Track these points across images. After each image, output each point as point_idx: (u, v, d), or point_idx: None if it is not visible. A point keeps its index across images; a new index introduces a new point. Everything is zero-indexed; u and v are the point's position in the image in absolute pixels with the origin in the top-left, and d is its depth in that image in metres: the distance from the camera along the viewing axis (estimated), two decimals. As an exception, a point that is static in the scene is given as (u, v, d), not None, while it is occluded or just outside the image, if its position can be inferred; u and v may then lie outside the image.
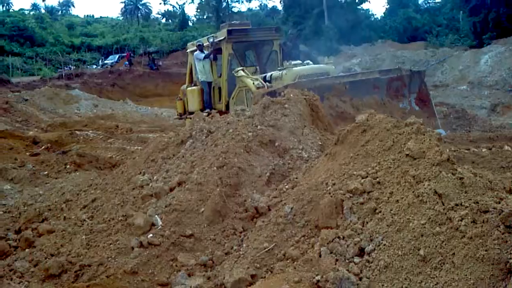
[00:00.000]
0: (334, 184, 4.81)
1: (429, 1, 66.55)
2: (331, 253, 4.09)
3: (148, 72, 42.59)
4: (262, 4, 78.06)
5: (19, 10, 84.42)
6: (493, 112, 27.71)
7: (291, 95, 6.98)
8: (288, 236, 4.69)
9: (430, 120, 9.57)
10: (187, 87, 12.68)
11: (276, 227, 4.83)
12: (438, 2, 63.70)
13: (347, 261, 3.99)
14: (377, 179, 4.49)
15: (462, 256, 3.35)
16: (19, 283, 5.29)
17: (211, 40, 11.06)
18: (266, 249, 4.63)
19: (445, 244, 3.52)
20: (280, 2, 64.83)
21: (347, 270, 3.84)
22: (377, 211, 4.20)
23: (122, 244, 5.36)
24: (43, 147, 14.51)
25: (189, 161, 6.41)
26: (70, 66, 48.24)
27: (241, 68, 10.08)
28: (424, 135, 4.59)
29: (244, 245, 5.02)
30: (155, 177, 6.54)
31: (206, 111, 11.10)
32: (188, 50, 12.82)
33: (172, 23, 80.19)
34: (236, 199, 5.71)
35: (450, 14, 56.40)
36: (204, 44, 11.47)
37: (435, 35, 51.88)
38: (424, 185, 4.00)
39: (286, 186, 5.66)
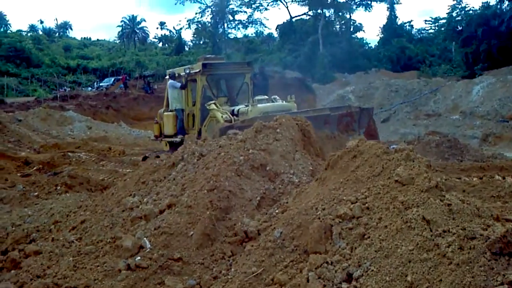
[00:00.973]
0: (323, 209, 4.81)
1: (422, 31, 67.62)
2: (319, 278, 4.07)
3: (143, 96, 42.73)
4: (258, 31, 78.94)
5: (16, 31, 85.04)
6: (485, 142, 27.93)
7: (283, 120, 7.03)
8: (277, 261, 4.66)
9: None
10: (164, 111, 13.29)
11: (265, 251, 4.80)
12: (431, 33, 64.77)
13: (335, 286, 3.96)
14: (366, 205, 4.50)
15: (449, 283, 3.34)
16: (3, 304, 5.23)
17: (187, 71, 11.82)
18: (254, 274, 4.60)
19: (433, 271, 3.51)
20: (276, 29, 65.78)
21: (335, 295, 3.82)
22: (365, 236, 4.20)
23: (109, 267, 5.31)
24: (34, 168, 14.44)
25: (180, 183, 6.40)
26: (65, 87, 48.37)
27: (213, 102, 10.96)
28: (413, 161, 4.62)
29: (232, 269, 4.98)
30: (145, 199, 6.52)
31: (179, 136, 11.97)
32: (166, 77, 13.50)
33: (169, 48, 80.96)
34: (226, 222, 5.68)
35: (442, 45, 57.36)
36: (181, 74, 12.16)
37: (428, 65, 52.67)
38: (412, 211, 4.01)
39: (276, 211, 5.65)
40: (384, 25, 63.99)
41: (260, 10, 63.23)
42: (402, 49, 56.20)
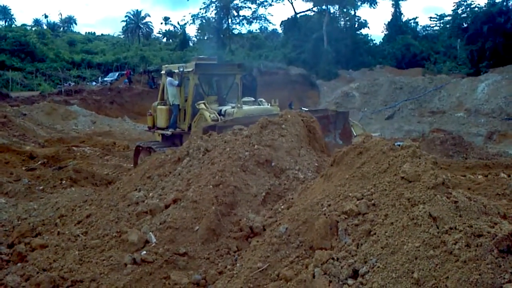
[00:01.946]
0: (329, 205, 4.82)
1: (427, 28, 67.34)
2: (324, 274, 4.08)
3: (147, 91, 42.73)
4: (262, 27, 78.80)
5: (21, 25, 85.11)
6: (490, 139, 27.89)
7: (289, 116, 7.03)
8: (282, 257, 4.67)
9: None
10: (157, 104, 13.80)
11: (270, 247, 4.81)
12: (436, 30, 64.50)
13: (340, 282, 3.97)
14: (372, 201, 4.50)
15: (456, 280, 3.34)
16: (9, 297, 5.25)
17: (181, 69, 12.44)
18: (260, 269, 4.61)
19: (439, 268, 3.51)
20: (280, 25, 65.64)
21: (341, 291, 3.83)
22: (371, 233, 4.20)
23: (115, 261, 5.33)
24: (39, 162, 14.49)
25: (185, 178, 6.41)
26: (70, 82, 48.39)
27: (202, 102, 11.63)
28: (419, 158, 4.62)
29: (238, 264, 4.99)
30: (150, 194, 6.54)
31: (170, 130, 12.66)
32: (162, 72, 14.11)
33: (173, 43, 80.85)
34: (231, 218, 5.70)
35: (448, 42, 57.10)
36: (175, 71, 12.78)
37: (433, 62, 52.43)
38: (418, 208, 4.01)
39: (282, 207, 5.66)
40: (389, 22, 63.81)
41: (264, 6, 63.02)
42: (407, 46, 55.97)
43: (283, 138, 6.71)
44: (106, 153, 17.78)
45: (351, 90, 41.20)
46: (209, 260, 5.24)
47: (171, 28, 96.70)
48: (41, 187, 11.13)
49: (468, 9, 45.69)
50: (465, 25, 45.31)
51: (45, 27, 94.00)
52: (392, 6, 62.91)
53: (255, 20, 64.80)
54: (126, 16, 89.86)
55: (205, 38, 72.42)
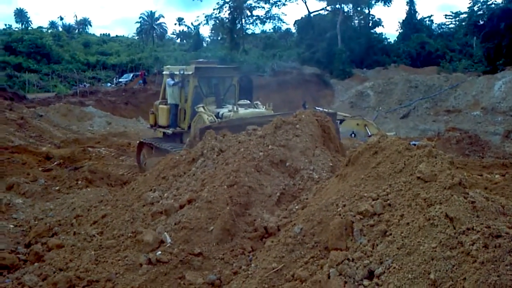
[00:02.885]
0: (344, 205, 4.79)
1: (442, 26, 66.72)
2: (340, 275, 4.05)
3: (162, 91, 42.77)
4: (276, 27, 78.67)
5: (37, 27, 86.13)
6: (507, 138, 27.50)
7: (303, 115, 7.00)
8: (297, 257, 4.65)
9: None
10: (159, 103, 14.32)
11: (285, 247, 4.79)
12: (451, 28, 63.88)
13: (356, 283, 3.94)
14: (388, 201, 4.46)
15: (474, 281, 3.29)
16: (27, 297, 5.30)
17: (181, 72, 12.98)
18: (275, 270, 4.60)
19: (456, 269, 3.47)
20: (294, 24, 65.49)
21: (356, 292, 3.80)
22: (387, 233, 4.16)
23: (130, 261, 5.36)
24: (55, 162, 14.61)
25: (199, 179, 6.42)
26: (85, 83, 48.82)
27: (201, 105, 12.17)
28: (435, 158, 4.56)
29: (252, 265, 4.98)
30: (165, 195, 6.56)
31: (171, 129, 13.21)
32: (163, 72, 14.67)
33: (187, 44, 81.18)
34: (245, 218, 5.70)
35: (463, 40, 56.55)
36: (176, 73, 13.33)
37: (448, 60, 51.94)
38: (435, 208, 3.97)
39: (296, 207, 5.65)
40: (403, 20, 63.28)
41: (278, 6, 62.72)
42: (422, 44, 55.48)
43: (297, 138, 6.69)
44: (121, 154, 17.88)
45: (366, 89, 41.00)
46: (224, 261, 5.24)
47: (185, 29, 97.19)
48: (57, 188, 11.24)
49: (485, 6, 45.18)
50: (481, 23, 44.76)
51: (60, 29, 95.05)
52: (406, 4, 62.40)
53: (268, 20, 64.64)
54: (140, 17, 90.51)
55: (219, 38, 72.57)
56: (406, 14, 62.79)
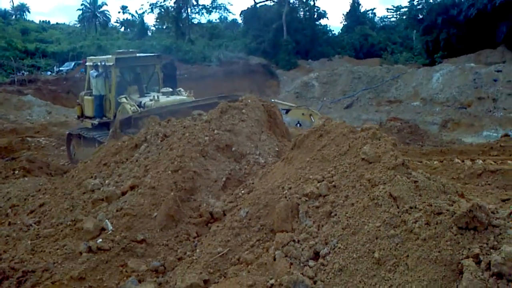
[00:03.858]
0: (290, 188, 4.77)
1: (384, 19, 68.37)
2: (285, 256, 4.03)
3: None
4: (222, 17, 78.01)
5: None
6: (444, 128, 28.65)
7: (249, 100, 6.93)
8: (243, 241, 4.60)
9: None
10: (84, 94, 14.30)
11: (231, 231, 4.72)
12: (393, 21, 65.53)
13: (302, 264, 3.93)
14: (333, 183, 4.47)
15: (416, 258, 3.35)
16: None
17: (103, 63, 13.13)
18: (220, 254, 4.52)
19: (400, 247, 3.51)
20: (240, 15, 65.24)
21: (302, 273, 3.78)
22: (332, 214, 4.18)
23: (69, 249, 5.13)
24: (-10, 153, 13.88)
25: (142, 165, 6.23)
26: (23, 71, 46.70)
27: (124, 96, 12.48)
28: (379, 140, 4.62)
29: (197, 250, 4.89)
30: (106, 181, 6.33)
31: (97, 119, 13.28)
32: (87, 63, 14.81)
33: (131, 32, 79.13)
34: (190, 203, 5.58)
35: (404, 33, 58.12)
36: (98, 64, 13.42)
37: (390, 52, 53.33)
38: (379, 188, 4.01)
39: (242, 191, 5.58)
40: (347, 12, 64.27)
41: (224, -5, 62.41)
42: (365, 37, 56.68)
43: (243, 123, 6.62)
44: (62, 144, 17.18)
45: (311, 79, 41.43)
46: (168, 247, 5.11)
47: (129, 17, 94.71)
48: (-9, 178, 10.67)
49: (424, 0, 46.59)
50: (420, 17, 46.21)
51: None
52: (350, -3, 63.45)
53: (214, 10, 64.16)
54: (82, 5, 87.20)
55: (164, 27, 71.26)
56: (350, 6, 63.87)
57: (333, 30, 65.39)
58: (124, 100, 12.33)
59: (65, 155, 14.79)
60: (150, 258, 5.00)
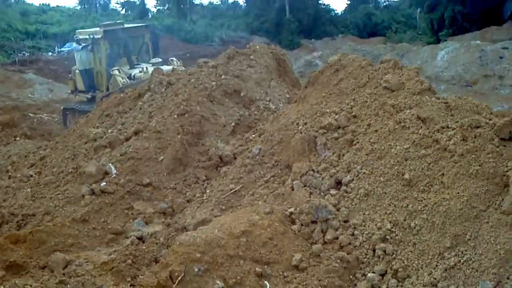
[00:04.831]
0: (305, 123, 4.46)
1: (388, -1, 67.45)
2: (304, 186, 3.73)
3: (106, 60, 41.14)
4: (223, -2, 77.05)
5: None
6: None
7: (257, 47, 6.59)
8: (257, 177, 4.31)
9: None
10: (76, 68, 14.20)
11: (243, 168, 4.44)
12: (396, 0, 64.69)
13: (322, 193, 3.64)
14: (353, 113, 4.17)
15: (453, 175, 3.05)
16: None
17: (91, 36, 12.82)
18: (233, 191, 4.23)
19: (433, 166, 3.21)
20: (242, -6, 64.35)
21: (323, 201, 3.48)
22: (354, 142, 3.87)
23: (71, 193, 4.85)
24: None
25: (147, 111, 5.91)
26: (24, 52, 46.21)
27: (116, 68, 12.19)
28: (401, 69, 4.30)
29: (207, 191, 4.60)
30: (109, 130, 6.00)
31: (90, 93, 13.23)
32: (74, 36, 14.74)
33: (132, 14, 78.38)
34: (198, 148, 5.28)
35: (408, 12, 57.31)
36: (81, 37, 13.37)
37: (394, 31, 52.62)
38: (405, 113, 3.70)
39: (253, 135, 5.27)
40: (350, -8, 63.48)
41: (225, -25, 61.58)
42: (369, 16, 55.74)
43: (252, 69, 6.28)
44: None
45: (314, 59, 40.80)
46: (176, 190, 4.83)
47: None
48: (-7, 144, 10.36)
49: (429, -23, 45.84)
50: (425, -6, 45.48)
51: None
52: (354, -24, 62.55)
53: (216, -10, 63.25)
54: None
55: (165, 8, 70.50)
56: (353, -14, 63.00)
57: (336, 10, 64.59)
58: (116, 72, 12.15)
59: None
60: (157, 201, 4.73)
